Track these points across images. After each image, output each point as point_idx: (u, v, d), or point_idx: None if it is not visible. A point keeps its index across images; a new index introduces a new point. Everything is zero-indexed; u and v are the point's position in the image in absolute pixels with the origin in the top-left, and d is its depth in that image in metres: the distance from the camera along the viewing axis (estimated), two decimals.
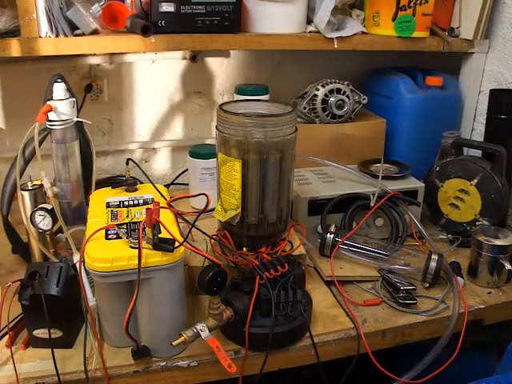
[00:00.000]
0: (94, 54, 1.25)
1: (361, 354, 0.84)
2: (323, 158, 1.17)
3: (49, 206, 0.90)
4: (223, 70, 1.38)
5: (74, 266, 0.83)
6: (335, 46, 1.16)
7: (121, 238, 0.74)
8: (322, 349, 0.83)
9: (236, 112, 0.86)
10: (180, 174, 1.41)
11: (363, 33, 1.20)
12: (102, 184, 1.05)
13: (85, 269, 0.73)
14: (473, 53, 1.31)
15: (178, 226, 0.80)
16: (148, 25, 0.98)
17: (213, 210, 0.93)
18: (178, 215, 0.85)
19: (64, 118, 0.89)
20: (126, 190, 0.92)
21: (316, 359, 0.82)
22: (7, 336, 0.78)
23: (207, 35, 1.06)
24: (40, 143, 0.90)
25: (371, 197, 1.08)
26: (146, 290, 0.72)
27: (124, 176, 0.97)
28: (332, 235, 1.01)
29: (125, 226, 0.78)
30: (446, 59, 1.35)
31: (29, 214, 0.91)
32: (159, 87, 1.37)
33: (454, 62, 1.37)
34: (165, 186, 1.04)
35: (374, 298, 0.94)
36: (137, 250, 0.69)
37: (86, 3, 1.00)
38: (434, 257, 0.96)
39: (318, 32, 1.15)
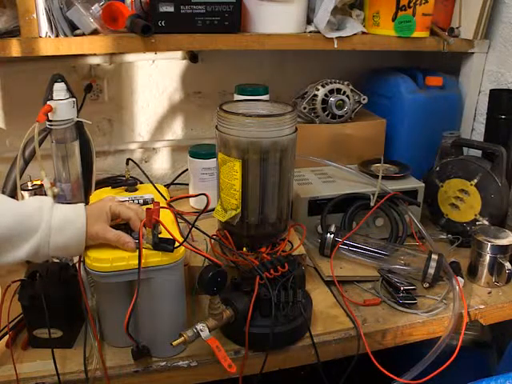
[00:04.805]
0: (94, 54, 1.25)
1: (361, 353, 0.84)
2: (323, 158, 1.17)
3: None
4: (223, 70, 1.38)
5: (73, 265, 0.83)
6: (335, 46, 1.16)
7: None
8: (322, 349, 0.82)
9: (236, 112, 0.86)
10: (180, 174, 1.41)
11: (363, 33, 1.20)
12: (102, 184, 1.05)
13: (85, 269, 0.73)
14: (473, 53, 1.31)
15: (178, 226, 0.80)
16: (148, 25, 0.98)
17: (213, 209, 0.93)
18: (178, 215, 0.85)
19: (64, 117, 0.89)
20: (126, 190, 0.92)
21: (316, 359, 0.82)
22: (7, 336, 0.78)
23: (207, 35, 1.06)
24: (40, 143, 0.90)
25: (371, 197, 1.08)
26: (146, 290, 0.72)
27: (124, 176, 0.97)
28: (332, 235, 1.01)
29: (125, 226, 0.78)
30: (446, 59, 1.35)
31: None
32: (159, 87, 1.37)
33: (454, 62, 1.37)
34: (165, 186, 1.04)
35: (373, 298, 0.94)
36: (137, 250, 0.69)
37: (85, 3, 1.00)
38: (434, 257, 0.96)
39: (318, 32, 1.15)
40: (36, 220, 0.68)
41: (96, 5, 1.02)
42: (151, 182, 0.94)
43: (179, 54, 1.33)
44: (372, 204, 1.08)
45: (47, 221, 0.68)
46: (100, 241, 0.72)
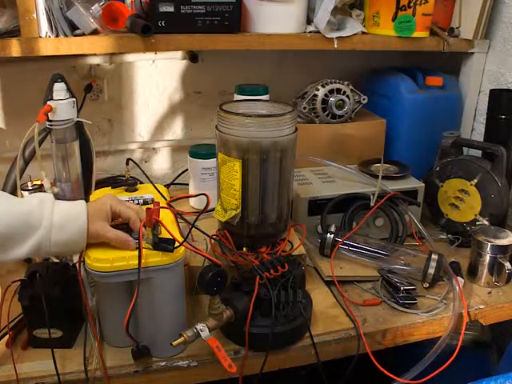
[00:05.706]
0: (94, 54, 1.25)
1: (361, 353, 0.84)
2: (323, 158, 1.17)
3: None
4: (223, 70, 1.38)
5: (73, 265, 0.83)
6: (335, 46, 1.16)
7: None
8: (322, 349, 0.82)
9: (236, 112, 0.86)
10: (180, 174, 1.41)
11: (363, 33, 1.20)
12: (102, 184, 1.05)
13: (85, 269, 0.73)
14: (473, 53, 1.31)
15: (178, 226, 0.80)
16: (148, 25, 0.98)
17: (213, 210, 0.93)
18: (178, 215, 0.85)
19: (64, 118, 0.89)
20: (126, 190, 0.92)
21: (316, 359, 0.82)
22: (7, 336, 0.78)
23: (207, 35, 1.06)
24: (40, 143, 0.90)
25: (371, 197, 1.08)
26: (146, 290, 0.72)
27: (124, 176, 0.97)
28: (332, 235, 1.01)
29: (125, 226, 0.78)
30: (446, 59, 1.35)
31: None
32: (159, 87, 1.37)
33: (454, 61, 1.37)
34: (165, 186, 1.04)
35: (374, 298, 0.94)
36: (137, 250, 0.69)
37: (85, 3, 1.00)
38: (434, 257, 0.96)
39: (318, 32, 1.15)
40: (37, 217, 0.68)
41: (96, 5, 1.02)
42: (151, 182, 0.94)
43: (179, 53, 1.33)
44: (372, 204, 1.08)
45: (48, 218, 0.68)
46: (101, 239, 0.72)
